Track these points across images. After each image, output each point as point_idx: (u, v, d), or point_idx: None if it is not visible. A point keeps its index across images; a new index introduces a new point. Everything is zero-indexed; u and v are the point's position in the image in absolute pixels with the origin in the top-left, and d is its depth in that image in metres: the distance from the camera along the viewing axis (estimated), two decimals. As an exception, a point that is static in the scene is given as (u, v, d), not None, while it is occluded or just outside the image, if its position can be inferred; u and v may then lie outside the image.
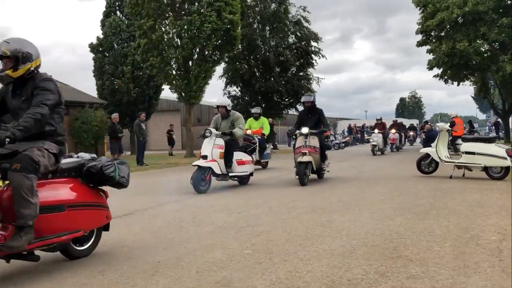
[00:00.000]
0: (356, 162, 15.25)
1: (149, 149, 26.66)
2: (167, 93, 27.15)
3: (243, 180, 9.14)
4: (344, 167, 13.16)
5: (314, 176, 9.39)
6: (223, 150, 8.25)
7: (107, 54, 27.58)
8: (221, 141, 8.34)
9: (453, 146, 15.88)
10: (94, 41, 28.03)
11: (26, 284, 3.28)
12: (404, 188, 7.93)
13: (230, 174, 8.51)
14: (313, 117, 9.28)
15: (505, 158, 8.53)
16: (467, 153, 9.06)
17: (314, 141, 8.76)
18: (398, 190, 7.76)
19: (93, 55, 27.85)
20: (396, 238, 4.28)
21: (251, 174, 9.28)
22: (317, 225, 4.97)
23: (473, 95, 27.75)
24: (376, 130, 19.88)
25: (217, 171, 8.16)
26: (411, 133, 28.70)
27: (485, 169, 8.88)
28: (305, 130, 8.81)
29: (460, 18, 20.37)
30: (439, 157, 9.46)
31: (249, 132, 12.41)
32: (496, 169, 8.84)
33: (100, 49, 27.70)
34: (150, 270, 3.49)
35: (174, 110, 37.85)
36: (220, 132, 8.52)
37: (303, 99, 9.79)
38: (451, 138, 13.57)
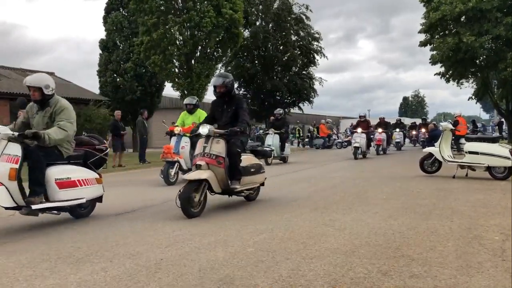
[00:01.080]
0: (358, 161, 15.22)
1: (151, 146, 26.73)
2: (170, 91, 27.22)
3: (77, 212, 5.67)
4: (346, 167, 13.15)
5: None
6: (18, 166, 4.78)
7: (111, 51, 27.65)
8: (16, 150, 4.87)
9: (456, 146, 15.84)
10: (99, 38, 28.18)
11: (29, 280, 3.29)
12: (407, 188, 7.92)
13: (37, 207, 4.88)
14: (229, 109, 6.30)
15: (509, 158, 8.51)
16: (470, 153, 9.04)
17: (218, 147, 5.82)
18: (401, 189, 7.75)
19: (100, 52, 27.94)
20: (399, 237, 4.27)
21: (99, 199, 5.78)
22: (320, 224, 4.97)
23: (471, 95, 27.19)
24: (359, 130, 16.96)
25: (4, 202, 4.68)
26: (414, 132, 27.51)
27: (489, 169, 8.86)
28: (204, 129, 5.85)
29: (463, 15, 20.30)
30: (442, 157, 9.44)
31: (177, 130, 9.74)
32: (499, 169, 8.82)
33: (107, 45, 27.78)
34: (153, 267, 3.50)
35: (176, 108, 37.88)
36: (17, 133, 4.95)
37: (212, 81, 6.69)
38: (453, 137, 13.50)
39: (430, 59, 23.00)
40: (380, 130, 19.20)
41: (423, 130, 24.38)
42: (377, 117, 21.93)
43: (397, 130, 23.22)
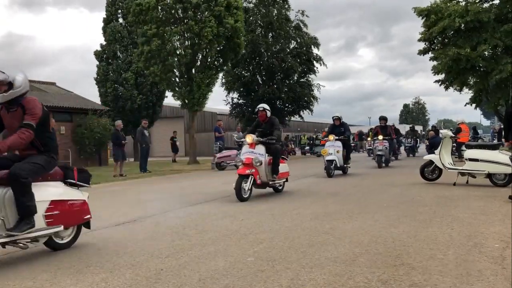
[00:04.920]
0: (358, 169, 15.19)
1: (152, 155, 26.78)
2: (170, 100, 27.32)
3: None
4: (346, 174, 13.13)
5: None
6: None
7: (110, 61, 27.76)
8: None
9: (458, 153, 15.81)
10: (99, 48, 28.28)
11: (29, 292, 3.29)
12: (407, 195, 7.91)
13: None
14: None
15: (509, 165, 8.49)
16: (470, 160, 9.03)
17: None
18: (401, 197, 7.74)
19: (98, 63, 28.07)
20: (399, 245, 4.27)
21: None
22: (320, 232, 4.97)
23: (468, 102, 26.91)
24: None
25: None
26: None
27: (489, 176, 8.85)
28: None
29: (462, 26, 20.53)
30: (443, 164, 9.44)
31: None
32: (500, 176, 8.80)
33: (104, 56, 27.89)
34: (153, 278, 3.50)
35: (177, 117, 38.01)
36: None
37: None
38: (455, 145, 13.45)
39: (432, 70, 23.03)
40: (249, 139, 8.59)
41: (380, 137, 15.38)
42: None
43: (333, 138, 12.36)
